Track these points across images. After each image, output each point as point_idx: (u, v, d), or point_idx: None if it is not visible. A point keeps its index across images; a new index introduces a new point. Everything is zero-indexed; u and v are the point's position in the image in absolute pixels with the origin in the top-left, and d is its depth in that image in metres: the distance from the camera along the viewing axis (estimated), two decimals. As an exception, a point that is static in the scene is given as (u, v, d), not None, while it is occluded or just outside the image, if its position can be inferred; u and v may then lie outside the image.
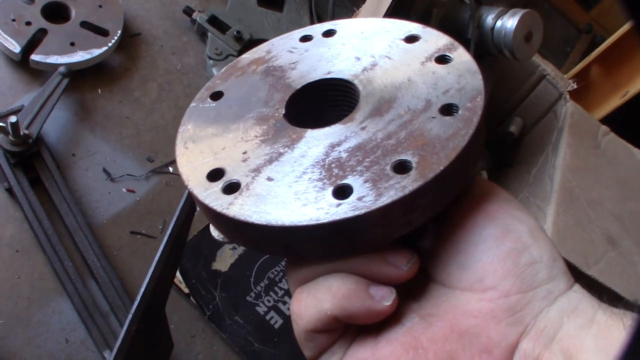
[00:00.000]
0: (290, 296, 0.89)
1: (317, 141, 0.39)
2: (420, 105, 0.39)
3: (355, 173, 0.36)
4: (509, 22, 0.82)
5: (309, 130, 0.40)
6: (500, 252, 0.37)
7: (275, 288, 0.90)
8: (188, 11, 1.10)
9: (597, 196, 0.84)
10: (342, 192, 0.34)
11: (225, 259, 0.89)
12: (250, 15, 1.14)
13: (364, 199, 0.34)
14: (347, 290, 0.36)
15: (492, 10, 0.86)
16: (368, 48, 0.45)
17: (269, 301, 0.89)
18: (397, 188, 0.34)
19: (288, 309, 0.89)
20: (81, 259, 0.82)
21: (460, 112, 0.37)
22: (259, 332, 0.87)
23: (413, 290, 0.39)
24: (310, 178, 0.37)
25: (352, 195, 0.34)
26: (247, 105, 0.45)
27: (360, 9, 0.89)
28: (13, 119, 0.79)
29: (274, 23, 1.16)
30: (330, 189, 0.35)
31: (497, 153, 1.04)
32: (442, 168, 0.34)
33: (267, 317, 0.88)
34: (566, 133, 0.91)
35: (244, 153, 0.40)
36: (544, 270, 0.36)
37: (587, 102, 1.22)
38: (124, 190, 0.91)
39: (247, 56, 0.50)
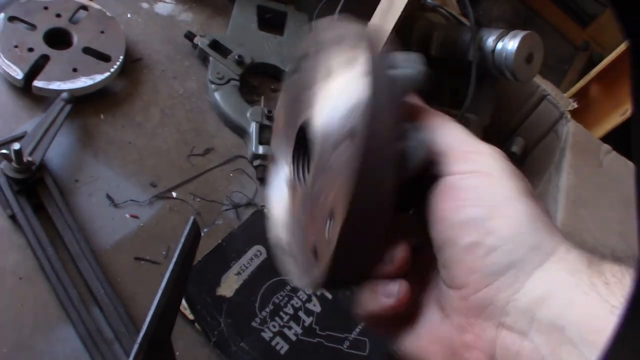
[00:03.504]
0: (295, 322, 0.88)
1: None
2: None
3: None
4: (510, 43, 0.83)
5: None
6: (461, 247, 0.36)
7: (281, 313, 0.89)
8: (189, 36, 1.11)
9: (602, 216, 0.84)
10: None
11: (230, 285, 0.88)
12: (252, 39, 1.15)
13: None
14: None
15: (492, 32, 0.87)
16: None
17: (274, 327, 0.88)
18: None
19: (294, 334, 0.88)
20: (85, 286, 0.82)
21: None
22: (265, 358, 0.86)
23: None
24: None
25: None
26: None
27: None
28: (16, 146, 0.79)
29: (275, 47, 1.17)
30: None
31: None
32: None
33: (273, 343, 0.87)
34: (569, 153, 0.91)
35: None
36: (504, 256, 0.35)
37: (587, 120, 1.22)
38: (127, 215, 0.90)
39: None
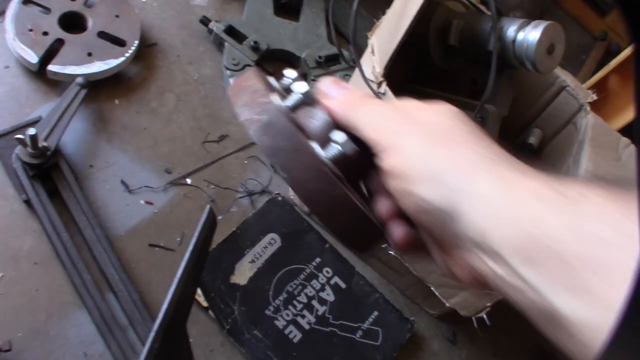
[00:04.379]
0: (309, 310, 0.88)
1: None
2: None
3: None
4: (532, 34, 0.81)
5: None
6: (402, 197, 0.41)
7: (294, 302, 0.89)
8: (205, 21, 1.09)
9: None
10: None
11: (244, 273, 0.88)
12: (267, 25, 1.14)
13: None
14: None
15: (513, 21, 0.85)
16: None
17: (287, 315, 0.88)
18: None
19: (307, 323, 0.88)
20: (99, 272, 0.82)
21: None
22: (278, 346, 0.86)
23: None
24: None
25: None
26: None
27: (380, 20, 0.88)
28: (32, 131, 0.79)
29: (290, 33, 1.15)
30: None
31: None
32: None
33: (286, 332, 0.87)
34: (587, 145, 0.90)
35: None
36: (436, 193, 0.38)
37: (606, 112, 1.20)
38: (142, 202, 0.90)
39: None
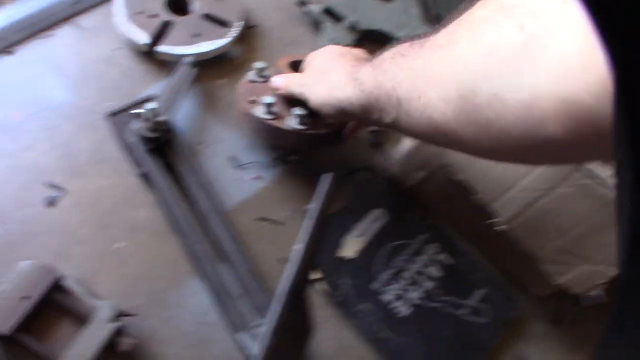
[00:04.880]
0: (415, 286, 0.87)
1: None
2: None
3: None
4: None
5: None
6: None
7: (400, 277, 0.88)
8: (302, 2, 1.10)
9: None
10: None
11: (351, 247, 0.88)
12: (364, 5, 1.14)
13: None
14: None
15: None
16: None
17: (394, 290, 0.87)
18: None
19: (413, 298, 0.87)
20: (213, 243, 0.83)
21: None
22: (384, 320, 0.85)
23: None
24: None
25: None
26: None
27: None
28: (152, 104, 0.81)
29: (386, 14, 1.15)
30: None
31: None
32: None
33: (392, 306, 0.86)
34: None
35: None
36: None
37: None
38: (249, 177, 0.91)
39: None
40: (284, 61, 0.91)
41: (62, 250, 0.80)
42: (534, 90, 0.41)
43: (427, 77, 0.54)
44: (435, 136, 0.57)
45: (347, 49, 0.82)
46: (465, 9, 0.53)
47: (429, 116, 0.55)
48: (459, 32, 0.51)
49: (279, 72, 0.87)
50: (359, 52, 0.81)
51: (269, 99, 0.83)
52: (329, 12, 1.10)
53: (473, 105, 0.47)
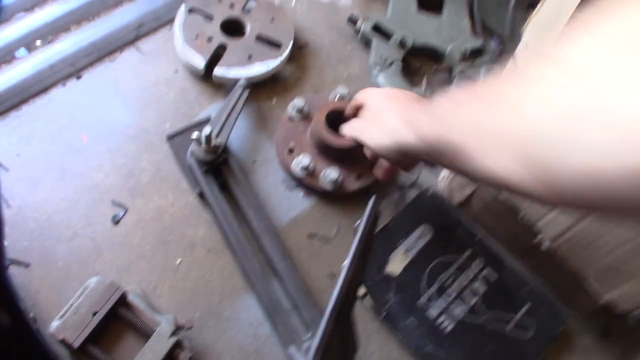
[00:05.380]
0: (460, 301, 0.89)
1: None
2: None
3: None
4: None
5: None
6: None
7: (446, 292, 0.90)
8: (353, 19, 1.13)
9: None
10: None
11: (398, 263, 0.91)
12: (411, 21, 1.15)
13: None
14: None
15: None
16: None
17: (440, 305, 0.89)
18: None
19: (458, 314, 0.89)
20: (266, 259, 0.88)
21: None
22: (429, 335, 0.87)
23: None
24: None
25: None
26: None
27: (535, 10, 0.87)
28: (207, 130, 0.86)
29: (434, 28, 1.16)
30: None
31: None
32: None
33: (439, 321, 0.88)
34: None
35: None
36: None
37: None
38: (300, 195, 0.95)
39: None
40: (322, 114, 0.95)
41: (125, 266, 0.86)
42: (606, 154, 0.40)
43: (493, 134, 0.53)
44: (501, 187, 0.57)
45: (399, 90, 0.85)
46: (525, 60, 0.54)
47: (494, 171, 0.54)
48: (523, 89, 0.49)
49: (317, 125, 0.94)
50: (410, 93, 0.83)
51: (306, 160, 0.93)
52: (378, 29, 1.12)
53: (544, 169, 0.47)
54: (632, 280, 0.83)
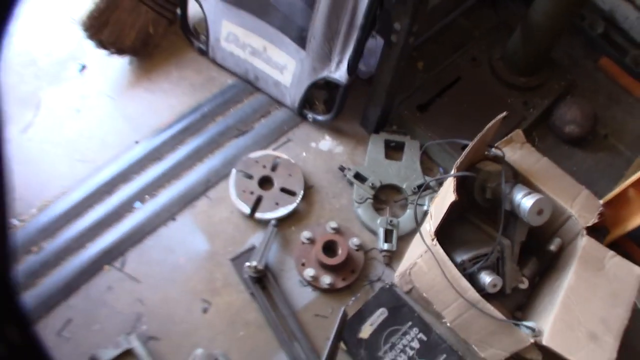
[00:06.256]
0: (404, 353, 1.53)
1: None
2: None
3: None
4: (528, 202, 1.39)
5: None
6: None
7: (395, 349, 1.55)
8: (342, 168, 1.78)
9: (589, 306, 1.38)
10: None
11: (366, 331, 1.56)
12: (380, 166, 1.80)
13: None
14: None
15: (521, 189, 1.43)
16: None
17: (390, 356, 1.54)
18: None
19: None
20: (290, 330, 1.54)
21: None
22: (386, 375, 1.53)
23: None
24: None
25: None
26: None
27: (437, 194, 1.50)
28: (253, 263, 1.53)
29: (396, 170, 1.80)
30: None
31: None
32: None
33: (391, 367, 1.54)
34: (576, 262, 1.45)
35: None
36: None
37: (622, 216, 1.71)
38: (310, 290, 1.61)
39: None
40: (320, 244, 1.63)
41: (212, 339, 1.53)
42: None
43: None
44: None
45: None
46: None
47: None
48: None
49: (317, 251, 1.60)
50: None
51: (312, 271, 1.60)
52: (358, 176, 1.77)
53: None
54: (491, 350, 1.46)
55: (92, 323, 1.53)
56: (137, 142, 1.81)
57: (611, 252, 1.49)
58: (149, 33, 1.89)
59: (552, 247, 1.59)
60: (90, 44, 1.83)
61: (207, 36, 1.89)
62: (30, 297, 1.56)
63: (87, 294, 1.57)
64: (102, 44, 1.81)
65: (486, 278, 1.43)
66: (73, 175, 1.74)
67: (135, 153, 1.79)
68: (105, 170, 1.75)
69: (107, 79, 1.93)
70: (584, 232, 1.51)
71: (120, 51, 1.86)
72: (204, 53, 1.96)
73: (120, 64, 1.94)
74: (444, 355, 1.56)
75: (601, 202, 1.63)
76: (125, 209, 1.69)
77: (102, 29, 1.78)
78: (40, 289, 1.57)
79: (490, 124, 1.46)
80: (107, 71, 1.94)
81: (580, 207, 1.55)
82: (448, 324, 1.50)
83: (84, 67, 1.94)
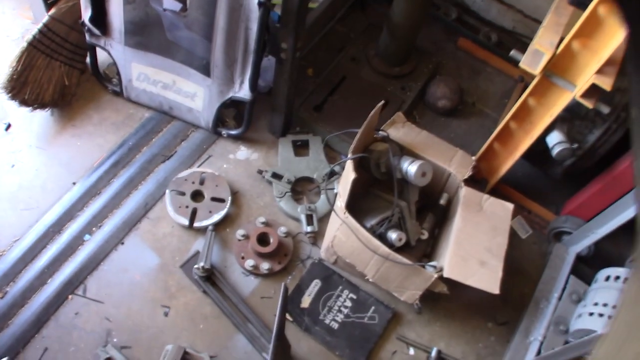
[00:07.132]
0: (339, 313, 1.84)
1: None
2: None
3: None
4: (412, 168, 1.73)
5: None
6: None
7: (332, 310, 1.85)
8: (260, 171, 2.07)
9: (475, 240, 1.73)
10: None
11: (306, 301, 1.85)
12: (292, 163, 2.10)
13: None
14: None
15: (407, 159, 1.77)
16: None
17: (329, 317, 1.84)
18: None
19: (339, 319, 1.84)
20: (243, 316, 1.81)
21: None
22: (327, 332, 1.83)
23: None
24: None
25: None
26: None
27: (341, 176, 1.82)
28: (200, 264, 1.78)
29: (305, 164, 2.11)
30: None
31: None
32: None
33: (330, 325, 1.84)
34: (460, 208, 1.80)
35: None
36: None
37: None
38: (252, 278, 1.89)
39: None
40: (254, 237, 1.90)
41: (177, 336, 1.77)
42: None
43: None
44: None
45: None
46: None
47: None
48: None
49: (253, 243, 1.87)
50: None
51: (251, 262, 1.89)
52: (275, 175, 2.06)
53: None
54: (408, 292, 1.79)
55: (67, 347, 1.73)
56: (74, 183, 2.01)
57: (486, 196, 1.86)
58: (65, 84, 2.10)
59: (442, 202, 1.94)
60: (12, 104, 2.01)
61: (120, 79, 2.12)
62: (4, 338, 1.74)
63: (57, 323, 1.77)
64: (24, 102, 2.00)
65: (393, 235, 1.76)
66: (21, 223, 1.92)
67: (74, 193, 1.99)
68: (50, 213, 1.95)
69: (33, 133, 2.12)
70: (462, 184, 1.87)
71: (42, 106, 2.06)
72: (118, 94, 2.19)
73: (43, 116, 2.14)
74: (373, 307, 1.88)
75: (474, 158, 2.01)
76: (76, 242, 1.90)
77: (23, 89, 1.98)
78: (13, 329, 1.76)
79: (372, 112, 1.79)
80: (32, 125, 2.12)
81: (457, 165, 1.91)
82: (370, 280, 1.81)
83: (9, 126, 2.11)
